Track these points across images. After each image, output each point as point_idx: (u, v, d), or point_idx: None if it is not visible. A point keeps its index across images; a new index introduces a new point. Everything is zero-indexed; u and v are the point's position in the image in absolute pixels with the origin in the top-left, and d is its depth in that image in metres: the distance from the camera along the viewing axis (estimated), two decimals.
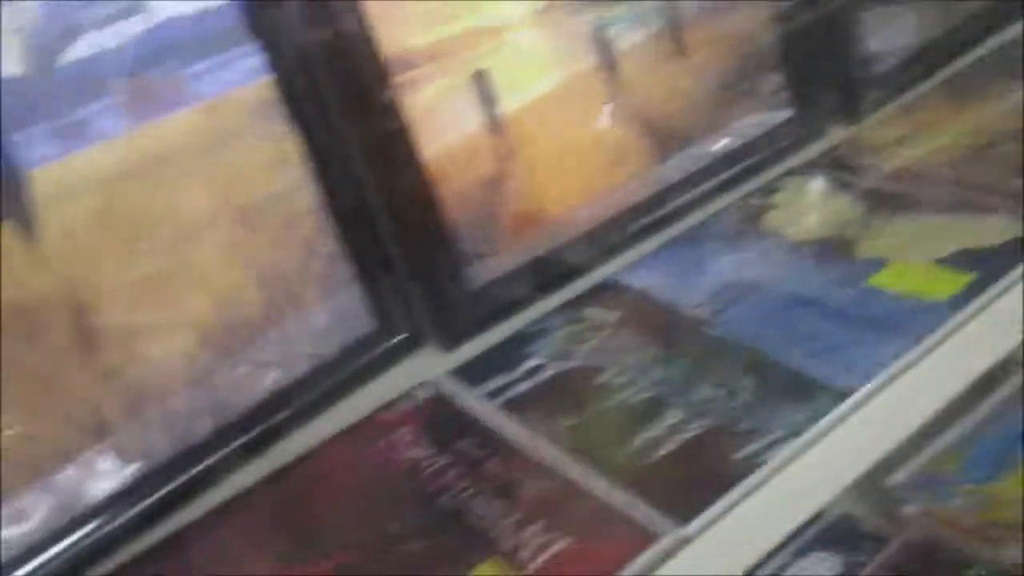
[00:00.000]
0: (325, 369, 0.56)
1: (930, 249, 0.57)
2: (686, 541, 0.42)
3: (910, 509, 0.86)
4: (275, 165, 0.55)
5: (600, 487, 0.46)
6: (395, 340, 0.59)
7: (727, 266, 0.60)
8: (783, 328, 0.53)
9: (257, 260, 0.54)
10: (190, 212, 0.51)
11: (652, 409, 0.50)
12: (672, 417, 0.49)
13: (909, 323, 0.51)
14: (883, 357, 0.49)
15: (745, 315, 0.55)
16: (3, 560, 0.46)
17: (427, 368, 0.58)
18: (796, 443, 0.45)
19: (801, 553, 0.90)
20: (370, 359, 0.58)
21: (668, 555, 0.41)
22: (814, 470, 0.44)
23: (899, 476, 0.87)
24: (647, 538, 0.42)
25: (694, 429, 0.48)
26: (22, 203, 0.46)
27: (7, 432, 0.46)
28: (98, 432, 0.49)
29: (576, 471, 0.47)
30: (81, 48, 0.47)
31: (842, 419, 0.46)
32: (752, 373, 0.51)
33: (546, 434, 0.50)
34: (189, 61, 0.50)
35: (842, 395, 0.47)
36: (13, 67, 0.45)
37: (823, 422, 0.46)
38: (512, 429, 0.51)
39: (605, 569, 0.41)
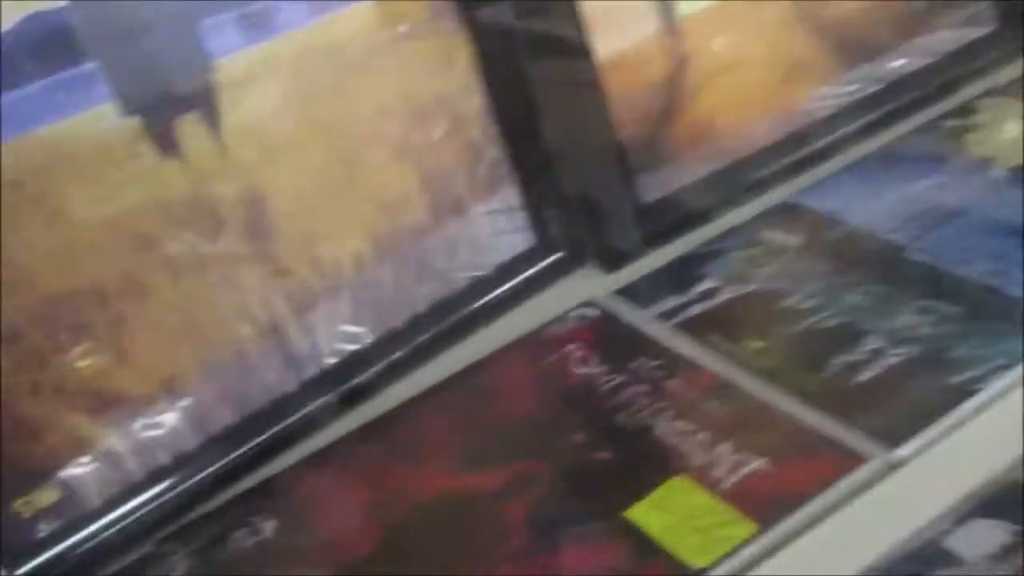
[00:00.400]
0: (484, 283, 0.57)
1: None
2: (895, 466, 0.41)
3: None
4: (444, 66, 0.55)
5: (795, 409, 0.44)
6: (553, 257, 0.59)
7: (924, 190, 0.57)
8: (994, 256, 0.50)
9: (423, 162, 0.54)
10: (362, 109, 0.52)
11: (847, 334, 0.48)
12: (871, 343, 0.47)
13: None
14: None
15: (949, 241, 0.53)
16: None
17: (586, 289, 0.57)
18: (1017, 371, 0.43)
19: (960, 522, 0.89)
20: (528, 276, 0.58)
21: (875, 479, 0.41)
22: None
23: None
24: (852, 460, 0.41)
25: (898, 355, 0.46)
26: (206, 93, 0.48)
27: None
28: (272, 331, 0.51)
29: (767, 393, 0.46)
30: None
31: None
32: (960, 300, 0.48)
33: (729, 356, 0.49)
34: None
35: None
36: None
37: None
38: (691, 350, 0.50)
39: (806, 491, 0.40)
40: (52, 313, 0.45)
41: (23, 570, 0.45)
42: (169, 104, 0.46)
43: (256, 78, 0.48)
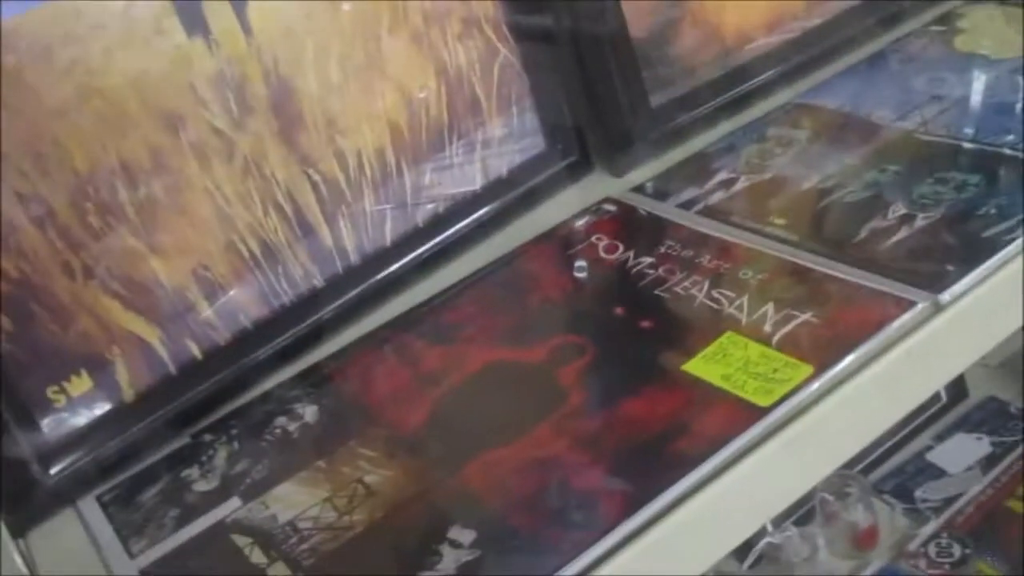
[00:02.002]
0: (501, 184, 0.57)
1: None
2: (941, 308, 0.42)
3: None
4: None
5: (835, 269, 0.46)
6: (566, 162, 0.59)
7: (925, 83, 0.60)
8: (1004, 131, 0.53)
9: (442, 60, 0.54)
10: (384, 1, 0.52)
11: (872, 206, 0.50)
12: (898, 210, 0.49)
13: None
14: None
15: (958, 121, 0.55)
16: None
17: (601, 190, 0.58)
18: None
19: (942, 437, 0.92)
20: (543, 178, 0.59)
21: (922, 322, 0.42)
22: None
23: None
24: (898, 306, 0.43)
25: (926, 218, 0.48)
26: None
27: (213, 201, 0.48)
28: (300, 224, 0.50)
29: (803, 258, 0.47)
30: None
31: None
32: (977, 169, 0.51)
33: (756, 232, 0.51)
34: None
35: None
36: None
37: None
38: (716, 231, 0.51)
39: (859, 334, 0.41)
40: (83, 190, 0.44)
41: (59, 465, 0.44)
42: None
43: None
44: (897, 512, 0.81)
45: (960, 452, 0.87)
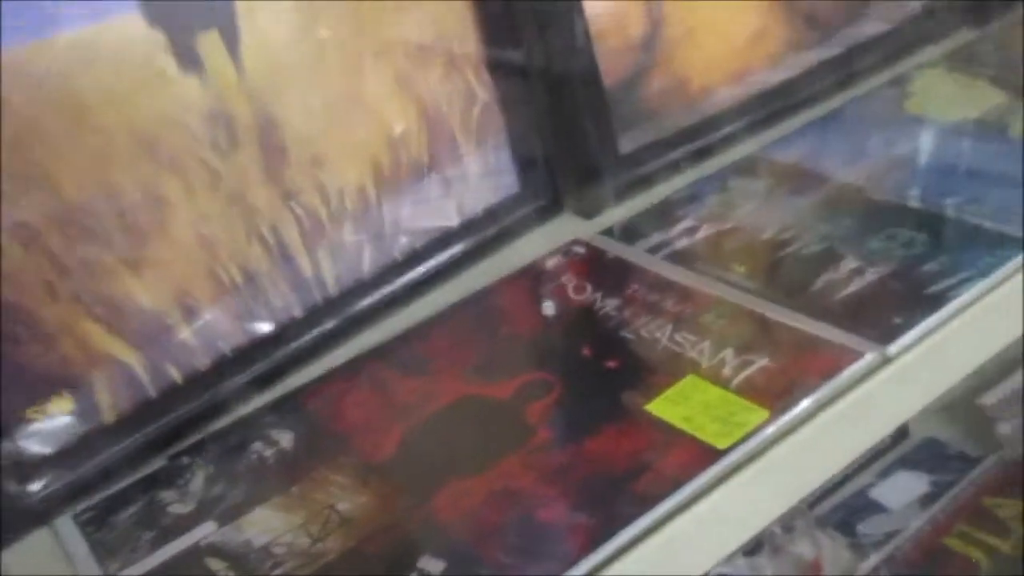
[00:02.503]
0: (474, 223, 0.58)
1: None
2: (888, 360, 0.44)
3: (1004, 427, 0.88)
4: (445, 8, 0.56)
5: (791, 318, 0.47)
6: (537, 204, 0.60)
7: (878, 143, 0.62)
8: (949, 192, 0.55)
9: (421, 99, 0.55)
10: (370, 42, 0.52)
11: (826, 258, 0.51)
12: (849, 264, 0.50)
13: None
14: None
15: (906, 182, 0.57)
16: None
17: (570, 232, 0.59)
18: (987, 281, 0.47)
19: (884, 475, 0.94)
20: (514, 219, 0.60)
21: (871, 372, 0.43)
22: (1009, 301, 0.46)
23: (992, 396, 0.90)
24: (848, 356, 0.44)
25: (876, 272, 0.49)
26: (228, 13, 0.47)
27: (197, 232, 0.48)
28: (280, 255, 0.50)
29: (761, 306, 0.49)
30: None
31: None
32: (923, 228, 0.52)
33: (718, 279, 0.52)
34: None
35: None
36: None
37: (1012, 263, 0.48)
38: (680, 276, 0.53)
39: (812, 382, 0.42)
40: (70, 217, 0.44)
41: (37, 484, 0.43)
42: (192, 19, 0.46)
43: (277, 4, 0.48)
44: (840, 545, 0.82)
45: (901, 489, 0.89)
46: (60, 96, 0.43)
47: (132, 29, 0.44)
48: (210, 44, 0.47)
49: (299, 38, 0.50)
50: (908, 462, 0.91)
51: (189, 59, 0.46)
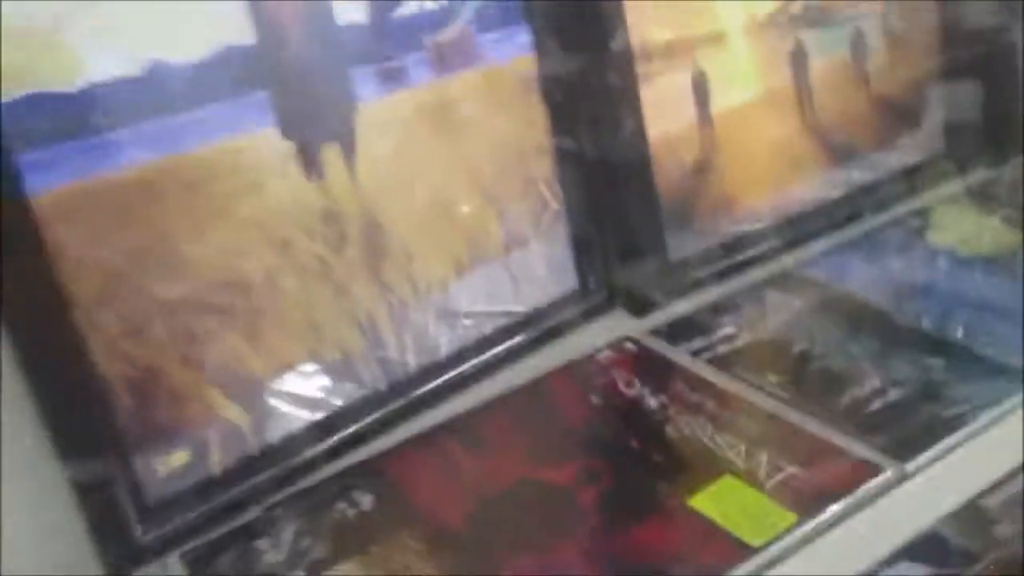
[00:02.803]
0: (539, 315, 0.62)
1: None
2: (906, 476, 0.46)
3: (1004, 528, 0.90)
4: (526, 129, 0.61)
5: (819, 429, 0.50)
6: (593, 301, 0.64)
7: (899, 269, 0.65)
8: (964, 323, 0.58)
9: (500, 205, 0.59)
10: (460, 158, 0.57)
11: (851, 375, 0.54)
12: (872, 383, 0.53)
13: None
14: None
15: (925, 309, 0.60)
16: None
17: (618, 329, 0.62)
18: (998, 410, 0.50)
19: (889, 563, 0.95)
20: (571, 313, 0.63)
21: (890, 486, 0.46)
22: (1016, 431, 0.49)
23: (994, 498, 0.92)
24: (871, 470, 0.46)
25: (896, 394, 0.52)
26: (348, 130, 0.52)
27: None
28: (373, 336, 0.55)
29: (793, 415, 0.51)
30: (411, 6, 0.54)
31: None
32: (940, 354, 0.55)
33: (754, 386, 0.54)
34: (480, 29, 0.57)
35: None
36: (359, 16, 0.52)
37: (1016, 397, 0.51)
38: (720, 379, 0.55)
39: (836, 492, 0.45)
40: (205, 297, 0.48)
41: (153, 523, 0.47)
42: (318, 134, 0.50)
43: (385, 120, 0.53)
44: None
45: None
46: (205, 197, 0.48)
47: (270, 141, 0.49)
48: (331, 155, 0.52)
49: (402, 153, 0.54)
50: (912, 553, 0.92)
51: (313, 165, 0.51)
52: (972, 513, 0.88)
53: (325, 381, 0.53)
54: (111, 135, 0.44)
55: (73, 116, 0.43)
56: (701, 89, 0.66)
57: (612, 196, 0.63)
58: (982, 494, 0.88)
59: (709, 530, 0.44)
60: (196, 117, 0.46)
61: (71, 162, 0.43)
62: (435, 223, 0.56)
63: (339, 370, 0.53)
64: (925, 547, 0.91)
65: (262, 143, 0.49)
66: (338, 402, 0.53)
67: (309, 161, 0.50)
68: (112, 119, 0.44)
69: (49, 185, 0.42)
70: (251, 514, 0.49)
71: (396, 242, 0.54)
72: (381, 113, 0.53)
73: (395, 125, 0.54)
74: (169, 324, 0.47)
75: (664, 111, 0.64)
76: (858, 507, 0.45)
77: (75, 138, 0.43)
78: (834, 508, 0.45)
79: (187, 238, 0.47)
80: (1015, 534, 0.87)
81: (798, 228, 0.69)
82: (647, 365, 0.58)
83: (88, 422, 0.45)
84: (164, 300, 0.46)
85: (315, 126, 0.50)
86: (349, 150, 0.52)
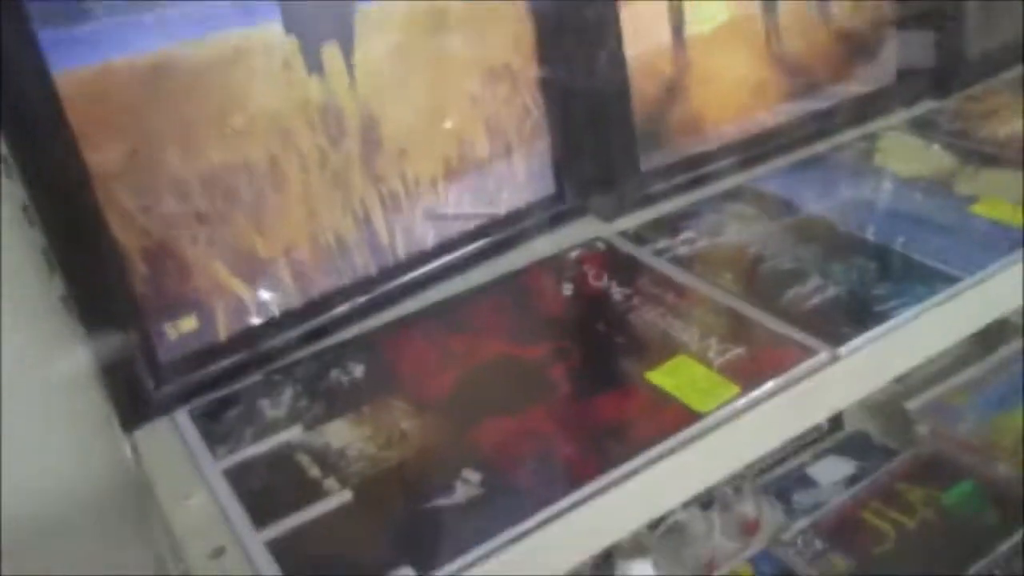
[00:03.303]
0: (518, 214, 0.63)
1: (1015, 195, 0.63)
2: (837, 359, 0.48)
3: (922, 428, 0.93)
4: (514, 44, 0.60)
5: (765, 319, 0.52)
6: (567, 205, 0.65)
7: (847, 186, 0.66)
8: (899, 233, 0.59)
9: (489, 115, 0.60)
10: (455, 63, 0.57)
11: (796, 275, 0.56)
12: (814, 281, 0.55)
13: (1005, 239, 0.57)
14: (985, 259, 0.55)
15: (866, 221, 0.61)
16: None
17: (590, 232, 0.64)
18: (919, 307, 0.52)
19: (819, 457, 0.99)
20: (548, 216, 0.64)
21: (823, 367, 0.48)
22: (936, 324, 0.51)
23: (916, 402, 0.95)
24: (807, 352, 0.49)
25: (834, 291, 0.54)
26: (347, 30, 0.52)
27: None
28: (366, 225, 0.55)
29: (742, 307, 0.53)
30: None
31: (953, 296, 0.52)
32: (876, 260, 0.57)
33: (711, 281, 0.56)
34: None
35: (955, 279, 0.53)
36: None
37: (939, 296, 0.52)
38: (679, 276, 0.57)
39: (776, 370, 0.47)
40: (213, 180, 0.48)
41: (165, 381, 0.48)
42: (320, 31, 0.50)
43: (383, 24, 0.52)
44: (777, 510, 0.87)
45: (831, 470, 0.94)
46: (214, 84, 0.47)
47: (275, 35, 0.49)
48: (331, 53, 0.51)
49: (398, 56, 0.54)
50: (840, 449, 0.96)
51: (314, 62, 0.51)
52: (896, 414, 0.92)
53: (321, 263, 0.54)
54: (131, 20, 0.43)
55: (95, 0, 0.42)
56: (676, 14, 0.65)
57: (590, 111, 0.64)
58: (905, 397, 0.92)
59: (663, 399, 0.47)
60: (210, 8, 0.46)
61: (92, 44, 0.43)
62: (427, 125, 0.57)
63: (334, 254, 0.54)
64: (851, 443, 0.95)
65: (269, 37, 0.49)
66: (333, 283, 0.54)
67: (310, 57, 0.50)
68: (132, 5, 0.43)
69: (71, 63, 0.42)
70: (253, 378, 0.51)
71: (390, 139, 0.55)
72: (380, 17, 0.53)
73: (392, 30, 0.54)
74: (181, 202, 0.47)
75: (641, 34, 0.64)
76: (794, 382, 0.47)
77: (97, 21, 0.43)
78: (772, 383, 0.47)
79: (198, 122, 0.47)
80: (932, 434, 0.91)
81: (757, 148, 0.71)
82: (614, 262, 0.60)
83: (105, 287, 0.46)
84: (177, 179, 0.47)
85: (316, 24, 0.50)
86: (348, 49, 0.52)
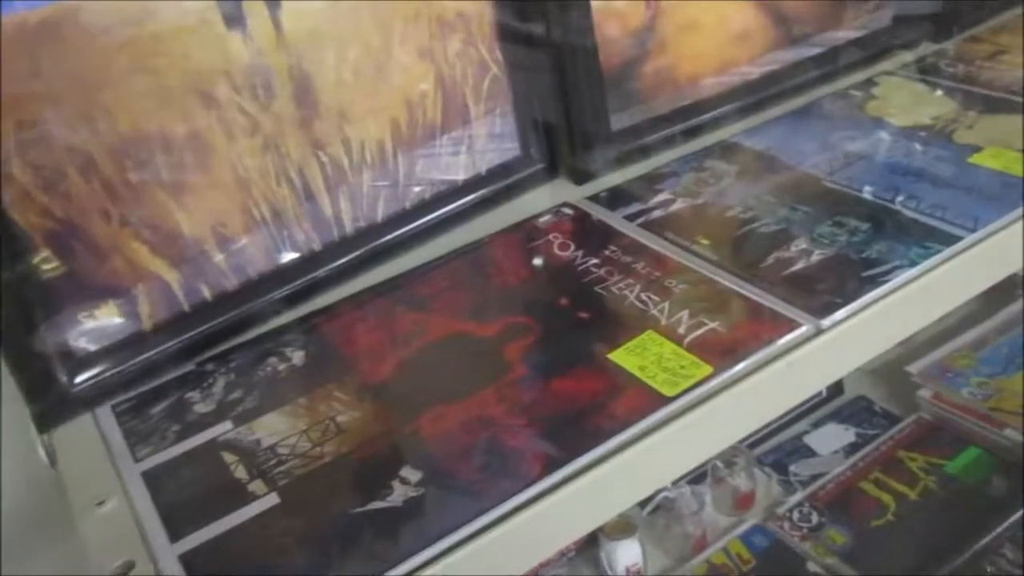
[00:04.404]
0: (478, 180, 0.58)
1: (1017, 142, 0.58)
2: (821, 332, 0.44)
3: (925, 392, 0.89)
4: None
5: (743, 288, 0.47)
6: (534, 167, 0.60)
7: (838, 139, 0.61)
8: (894, 188, 0.54)
9: (440, 67, 0.54)
10: (396, 11, 0.51)
11: (780, 238, 0.51)
12: (800, 244, 0.50)
13: (1010, 192, 0.52)
14: (988, 214, 0.50)
15: (858, 176, 0.56)
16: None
17: (561, 196, 0.59)
18: (914, 270, 0.47)
19: (818, 425, 0.95)
20: (514, 180, 0.59)
21: (805, 341, 0.43)
22: (933, 289, 0.46)
23: (919, 365, 0.91)
24: (787, 326, 0.44)
25: (821, 254, 0.49)
26: None
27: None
28: (306, 195, 0.50)
29: (718, 276, 0.49)
30: None
31: (952, 257, 0.48)
32: (868, 218, 0.52)
33: (683, 248, 0.52)
34: None
35: (956, 238, 0.49)
36: None
37: (936, 257, 0.47)
38: (652, 243, 0.52)
39: (752, 346, 0.43)
40: (125, 150, 0.43)
41: (83, 376, 0.44)
42: None
43: None
44: (772, 482, 0.84)
45: (830, 438, 0.90)
46: (123, 41, 0.42)
47: None
48: (254, 5, 0.46)
49: (332, 7, 0.49)
50: (840, 416, 0.92)
51: (235, 17, 0.46)
52: (898, 378, 0.88)
53: (257, 240, 0.49)
54: None
55: None
56: None
57: (555, 66, 0.58)
58: (907, 360, 0.87)
59: (627, 381, 0.42)
60: None
61: None
62: (370, 83, 0.51)
63: (271, 229, 0.50)
64: (852, 409, 0.91)
65: None
66: (270, 261, 0.50)
67: (230, 11, 0.45)
68: None
69: None
70: (183, 369, 0.47)
71: (328, 101, 0.50)
72: None
73: None
74: (88, 177, 0.43)
75: None
76: (772, 359, 0.43)
77: None
78: (749, 360, 0.42)
79: (101, 87, 0.42)
80: (935, 398, 0.86)
81: (741, 100, 0.65)
82: (583, 229, 0.55)
83: (9, 275, 0.41)
84: (80, 151, 0.42)
85: None
86: (274, 1, 0.46)
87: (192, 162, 0.46)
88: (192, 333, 0.47)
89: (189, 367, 0.47)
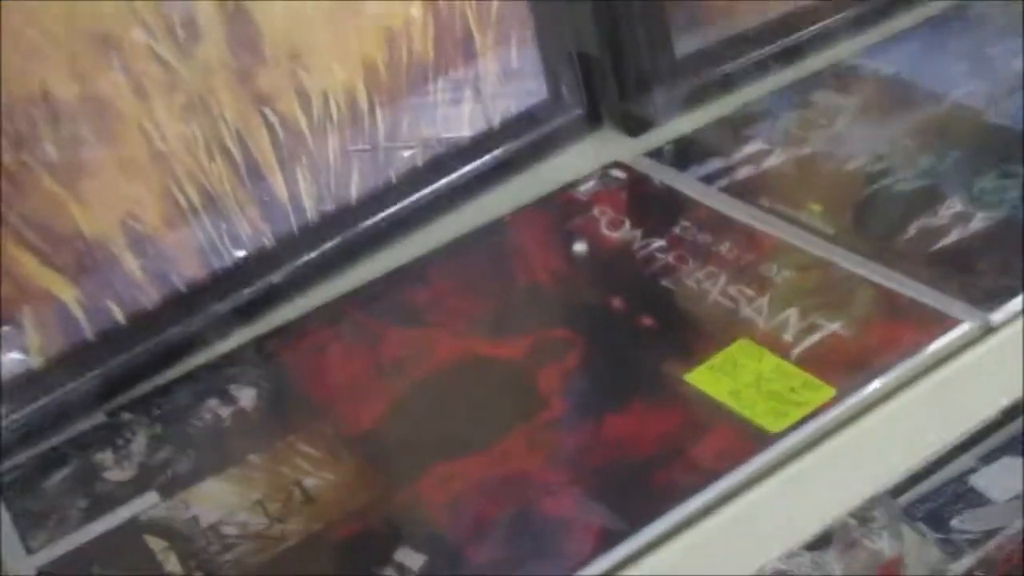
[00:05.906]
0: (490, 137, 0.58)
1: None
2: (991, 330, 0.43)
3: None
4: None
5: (873, 272, 0.47)
6: (570, 115, 0.60)
7: (1000, 54, 0.61)
8: None
9: None
10: None
11: (925, 198, 0.51)
12: (953, 207, 0.50)
13: None
14: None
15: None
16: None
17: (609, 152, 0.59)
18: None
19: (989, 460, 0.94)
20: (540, 134, 0.59)
21: (967, 345, 0.43)
22: None
23: None
24: (941, 325, 0.43)
25: (984, 219, 0.49)
26: None
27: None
28: (250, 172, 0.50)
29: (838, 256, 0.48)
30: None
31: None
32: None
33: (787, 219, 0.52)
34: None
35: None
36: None
37: None
38: (740, 213, 0.53)
39: (892, 355, 0.42)
40: None
41: None
42: None
43: None
44: (929, 543, 0.83)
45: (1007, 478, 0.89)
46: None
47: None
48: None
49: None
50: (1018, 447, 0.91)
51: None
52: None
53: (185, 237, 0.49)
54: None
55: None
56: None
57: None
58: None
59: (712, 414, 0.42)
60: None
61: None
62: (332, 13, 0.51)
63: (203, 221, 0.50)
64: None
65: None
66: (204, 265, 0.50)
67: None
68: None
69: None
70: (90, 420, 0.47)
71: (274, 38, 0.50)
72: None
73: None
74: None
75: None
76: (921, 373, 0.42)
77: None
78: (887, 377, 0.41)
79: None
80: None
81: (857, 6, 0.65)
82: (640, 199, 0.56)
83: None
84: None
85: None
86: None
87: (89, 134, 0.46)
88: (100, 370, 0.47)
89: (98, 418, 0.47)
